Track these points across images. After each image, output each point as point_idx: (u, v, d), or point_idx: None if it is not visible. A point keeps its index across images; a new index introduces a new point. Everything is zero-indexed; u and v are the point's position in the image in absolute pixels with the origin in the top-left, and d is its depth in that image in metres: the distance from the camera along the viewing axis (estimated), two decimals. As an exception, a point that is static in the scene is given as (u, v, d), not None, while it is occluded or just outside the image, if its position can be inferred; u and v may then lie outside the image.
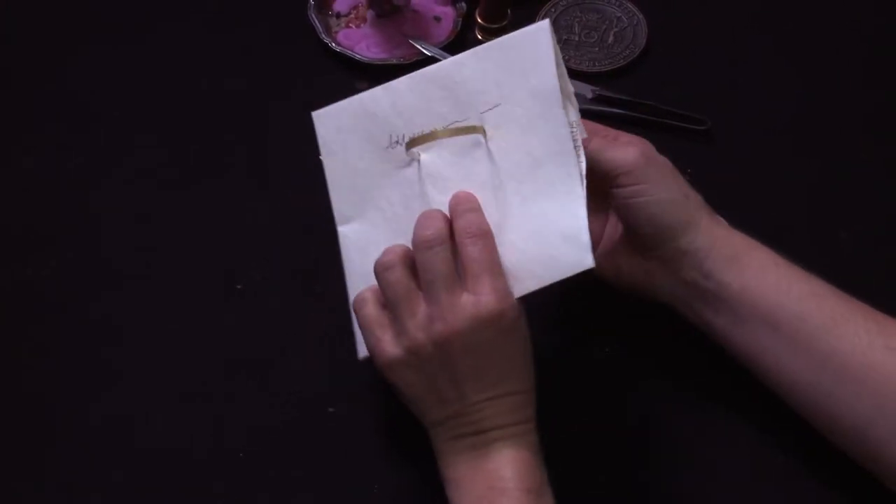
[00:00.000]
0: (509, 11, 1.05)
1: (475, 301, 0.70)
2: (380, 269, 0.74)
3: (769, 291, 0.78)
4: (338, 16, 1.08)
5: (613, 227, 0.85)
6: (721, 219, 0.82)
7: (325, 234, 0.91)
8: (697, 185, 0.92)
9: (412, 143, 0.77)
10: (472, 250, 0.71)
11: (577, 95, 0.99)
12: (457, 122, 0.77)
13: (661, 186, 0.79)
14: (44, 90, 1.03)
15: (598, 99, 1.01)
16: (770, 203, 0.95)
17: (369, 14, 1.08)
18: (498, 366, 0.72)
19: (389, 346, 0.73)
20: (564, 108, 0.74)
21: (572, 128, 0.74)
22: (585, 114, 0.97)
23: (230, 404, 0.85)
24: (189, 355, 0.88)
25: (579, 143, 0.74)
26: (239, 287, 0.90)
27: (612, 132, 0.81)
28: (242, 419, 0.85)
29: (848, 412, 0.75)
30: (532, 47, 0.75)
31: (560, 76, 0.75)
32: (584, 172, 0.73)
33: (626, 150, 0.79)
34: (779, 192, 0.96)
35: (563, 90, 0.74)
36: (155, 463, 0.83)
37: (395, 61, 1.04)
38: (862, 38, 1.06)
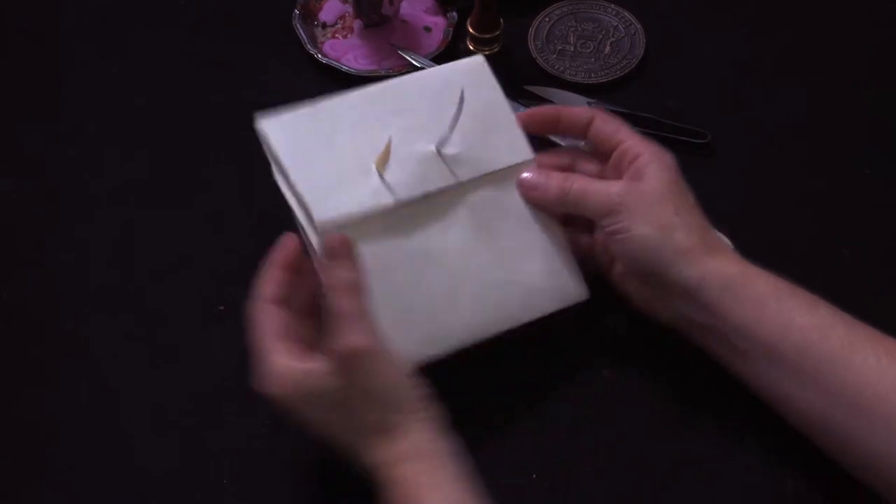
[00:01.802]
0: (501, 21, 1.05)
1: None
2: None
3: (769, 326, 0.77)
4: (324, 26, 1.09)
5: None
6: (720, 242, 0.82)
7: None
8: (697, 198, 0.94)
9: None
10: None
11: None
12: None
13: (641, 223, 0.80)
14: (27, 105, 1.04)
15: (594, 111, 1.03)
16: (772, 218, 0.96)
17: (356, 24, 1.08)
18: (314, 427, 0.76)
19: None
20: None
21: None
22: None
23: (217, 425, 0.86)
24: (175, 375, 0.88)
25: None
26: (221, 308, 0.91)
27: (613, 133, 0.84)
28: (226, 449, 0.85)
29: (861, 444, 0.75)
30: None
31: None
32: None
33: (607, 191, 0.81)
34: (781, 208, 0.96)
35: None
36: (139, 488, 0.83)
37: (383, 73, 1.04)
38: (865, 46, 1.07)
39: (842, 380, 0.75)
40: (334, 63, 1.05)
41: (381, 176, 0.82)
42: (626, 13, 1.09)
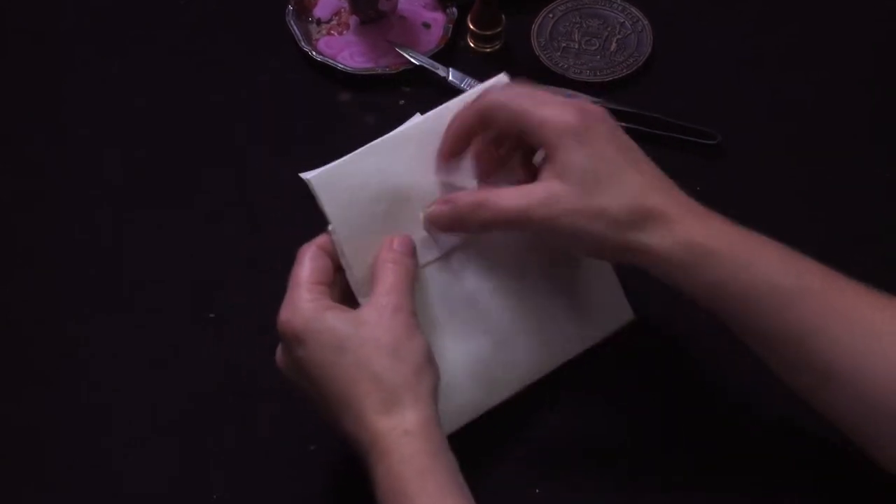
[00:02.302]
0: (503, 17, 1.05)
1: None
2: None
3: (736, 301, 0.76)
4: (318, 22, 1.08)
5: None
6: (656, 204, 0.76)
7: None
8: (706, 202, 0.93)
9: None
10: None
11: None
12: None
13: (563, 233, 0.76)
14: (26, 105, 1.05)
15: (599, 111, 1.01)
16: (785, 224, 0.90)
17: (352, 20, 1.08)
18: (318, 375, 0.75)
19: None
20: None
21: None
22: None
23: (208, 439, 0.86)
24: (164, 387, 0.88)
25: None
26: (212, 315, 0.91)
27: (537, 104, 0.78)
28: (220, 456, 0.85)
29: (842, 415, 0.75)
30: None
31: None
32: None
33: (517, 210, 0.76)
34: (794, 213, 0.95)
35: None
36: (136, 491, 0.83)
37: (380, 71, 1.04)
38: (878, 42, 1.07)
39: (812, 354, 0.74)
40: (329, 61, 1.04)
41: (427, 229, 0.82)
42: (632, 9, 1.08)
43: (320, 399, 0.76)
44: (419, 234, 0.81)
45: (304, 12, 1.08)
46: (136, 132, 1.02)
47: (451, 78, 1.02)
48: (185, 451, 0.85)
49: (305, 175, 0.79)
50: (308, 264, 0.78)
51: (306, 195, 0.95)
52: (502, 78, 0.84)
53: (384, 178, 0.80)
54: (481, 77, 1.01)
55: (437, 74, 1.03)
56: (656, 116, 0.99)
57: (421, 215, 0.81)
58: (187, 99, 1.04)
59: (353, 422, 0.74)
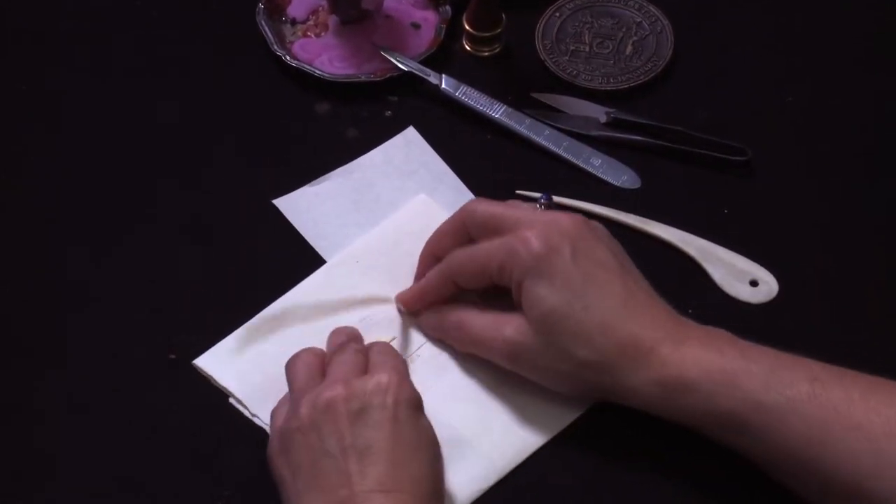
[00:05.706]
0: (504, 16, 1.03)
1: (371, 375, 0.81)
2: (291, 359, 0.86)
3: (723, 427, 0.80)
4: (293, 22, 1.07)
5: None
6: (655, 330, 0.81)
7: (269, 289, 0.93)
8: (735, 227, 0.93)
9: None
10: (378, 356, 0.85)
11: (589, 119, 1.00)
12: None
13: (543, 378, 0.85)
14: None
15: (612, 123, 1.00)
16: (823, 251, 0.94)
17: (332, 20, 1.06)
18: (386, 449, 0.78)
19: (279, 419, 0.83)
20: None
21: None
22: (598, 141, 1.00)
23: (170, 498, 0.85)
24: (118, 436, 0.87)
25: None
26: (173, 356, 0.90)
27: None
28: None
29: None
30: None
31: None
32: None
33: (493, 348, 0.86)
34: (833, 237, 0.95)
35: None
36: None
37: (363, 78, 1.02)
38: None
39: (813, 463, 0.78)
40: (306, 66, 1.02)
41: None
42: (650, 7, 1.06)
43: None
44: None
45: (276, 11, 1.06)
46: (79, 151, 1.03)
47: (444, 86, 1.01)
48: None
49: (198, 363, 0.89)
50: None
51: (272, 221, 0.96)
52: (421, 196, 0.96)
53: (278, 345, 0.89)
54: (478, 85, 1.01)
55: (428, 82, 1.01)
56: (678, 129, 0.99)
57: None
58: (138, 113, 1.04)
59: None
